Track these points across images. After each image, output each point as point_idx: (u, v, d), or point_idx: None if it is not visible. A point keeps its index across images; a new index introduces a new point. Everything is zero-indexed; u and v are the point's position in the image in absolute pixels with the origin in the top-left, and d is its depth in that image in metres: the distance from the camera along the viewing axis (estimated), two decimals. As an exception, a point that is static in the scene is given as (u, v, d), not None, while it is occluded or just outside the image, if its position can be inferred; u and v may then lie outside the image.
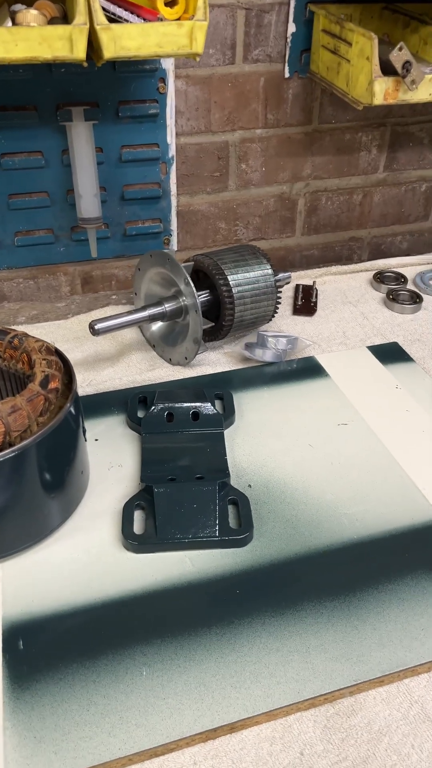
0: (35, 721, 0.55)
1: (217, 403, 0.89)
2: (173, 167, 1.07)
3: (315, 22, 1.00)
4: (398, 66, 0.85)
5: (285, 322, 1.08)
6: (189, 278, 0.90)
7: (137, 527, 0.71)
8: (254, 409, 0.88)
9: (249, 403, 0.89)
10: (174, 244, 1.15)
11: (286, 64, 1.05)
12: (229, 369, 0.97)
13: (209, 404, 0.84)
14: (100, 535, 0.71)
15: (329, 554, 0.69)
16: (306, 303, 1.11)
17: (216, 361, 0.99)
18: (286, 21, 1.02)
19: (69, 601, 0.64)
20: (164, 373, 0.96)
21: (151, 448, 0.79)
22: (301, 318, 1.09)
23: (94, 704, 0.56)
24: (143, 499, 0.73)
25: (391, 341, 1.03)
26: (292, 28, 1.02)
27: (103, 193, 1.05)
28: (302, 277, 1.19)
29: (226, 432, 0.84)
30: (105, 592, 0.65)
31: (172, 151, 1.06)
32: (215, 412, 0.83)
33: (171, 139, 1.05)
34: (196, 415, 0.83)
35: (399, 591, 0.65)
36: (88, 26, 0.73)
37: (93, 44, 0.76)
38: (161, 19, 0.77)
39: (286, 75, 1.06)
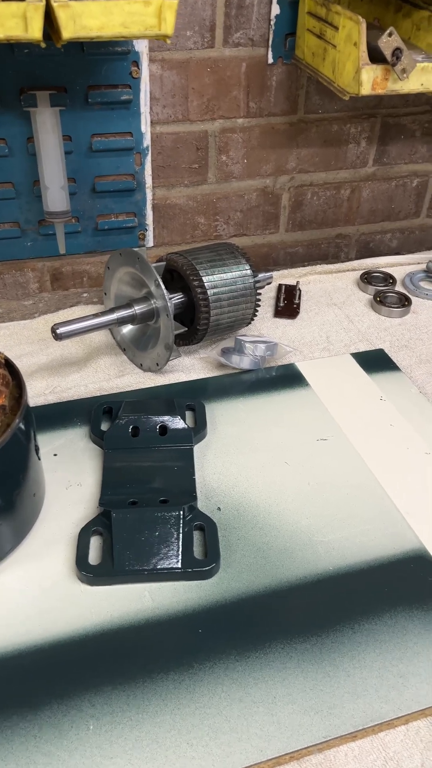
0: (-33, 784, 0.49)
1: (189, 414, 0.82)
2: (148, 158, 1.01)
3: (300, 3, 0.93)
4: (387, 53, 0.79)
5: (265, 325, 1.01)
6: (160, 279, 0.83)
7: (93, 556, 0.65)
8: (228, 421, 0.82)
9: (223, 415, 0.83)
10: (150, 240, 1.08)
11: (270, 49, 0.98)
12: (204, 376, 0.91)
13: (179, 418, 0.77)
14: (53, 564, 0.65)
15: (302, 588, 0.63)
16: (288, 305, 1.05)
17: (190, 366, 0.93)
18: (270, 2, 0.94)
19: (12, 640, 0.58)
20: (134, 379, 0.90)
21: (112, 468, 0.73)
22: (283, 320, 1.03)
23: (33, 763, 0.51)
24: (101, 524, 0.67)
25: (377, 347, 0.97)
26: (276, 9, 0.95)
27: (72, 185, 0.98)
28: (286, 276, 1.12)
29: (196, 447, 0.78)
30: (54, 631, 0.59)
31: (147, 141, 0.99)
32: (185, 426, 0.77)
33: (146, 127, 0.98)
34: (164, 429, 0.77)
35: (376, 631, 0.60)
36: (44, 3, 0.66)
37: (53, 23, 0.69)
38: (128, -3, 0.70)
39: (270, 60, 0.99)
